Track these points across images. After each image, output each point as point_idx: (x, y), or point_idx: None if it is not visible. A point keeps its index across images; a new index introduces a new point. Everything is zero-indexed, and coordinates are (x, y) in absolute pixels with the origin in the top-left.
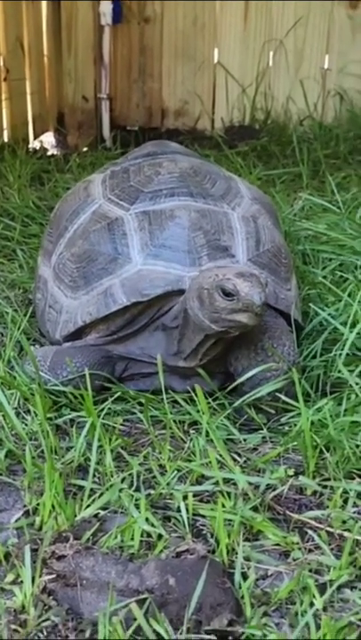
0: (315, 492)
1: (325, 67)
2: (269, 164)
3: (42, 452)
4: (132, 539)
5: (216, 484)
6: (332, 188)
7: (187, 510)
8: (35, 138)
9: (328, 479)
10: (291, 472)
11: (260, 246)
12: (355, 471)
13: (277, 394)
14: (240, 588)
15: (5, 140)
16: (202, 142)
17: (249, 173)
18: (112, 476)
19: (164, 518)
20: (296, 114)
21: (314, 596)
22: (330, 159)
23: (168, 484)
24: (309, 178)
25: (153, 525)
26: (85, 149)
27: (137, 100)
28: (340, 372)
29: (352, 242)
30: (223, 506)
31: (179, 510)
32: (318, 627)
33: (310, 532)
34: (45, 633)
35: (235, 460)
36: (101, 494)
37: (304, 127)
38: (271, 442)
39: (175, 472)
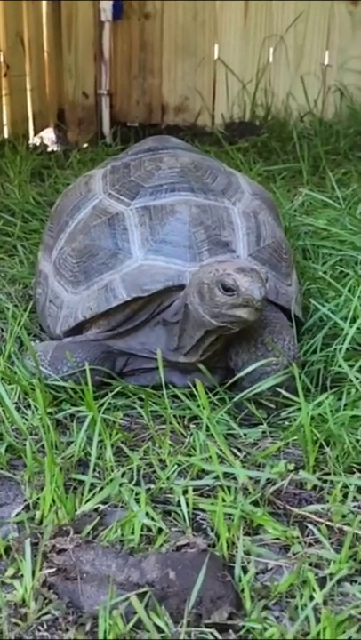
0: (315, 487)
1: (326, 63)
2: (270, 160)
3: (42, 446)
4: (133, 533)
5: (216, 478)
6: (332, 184)
7: (187, 504)
8: (35, 134)
9: (328, 473)
10: (291, 466)
11: (260, 242)
12: (355, 465)
13: (277, 388)
14: (240, 581)
15: (6, 136)
16: (202, 138)
17: (249, 169)
18: (112, 471)
19: (165, 512)
20: (296, 110)
21: (314, 590)
22: (330, 155)
23: (168, 478)
24: (310, 174)
25: (153, 519)
26: (86, 145)
27: (137, 96)
28: (340, 366)
29: (352, 237)
30: (223, 500)
31: (179, 504)
32: (318, 620)
33: (310, 526)
34: (46, 626)
35: (235, 454)
36: (102, 488)
37: (304, 123)
38: (271, 436)
39: (175, 466)
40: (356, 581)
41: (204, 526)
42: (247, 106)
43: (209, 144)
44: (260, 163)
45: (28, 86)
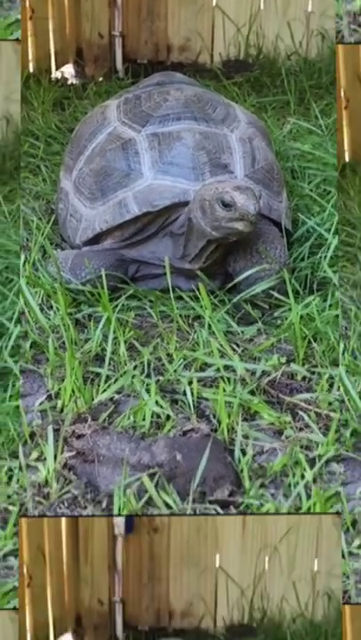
0: (304, 378)
1: (309, 10)
2: (261, 93)
3: (63, 342)
4: (144, 419)
5: (217, 370)
6: (315, 114)
7: (192, 394)
8: (56, 69)
9: (316, 366)
10: (283, 360)
11: (255, 164)
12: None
13: (271, 291)
14: (239, 462)
15: (31, 70)
16: (202, 74)
17: (244, 101)
18: (125, 364)
19: (172, 401)
20: (284, 50)
21: (305, 470)
22: (314, 89)
23: (175, 370)
24: (296, 105)
25: (162, 407)
26: (101, 79)
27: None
28: (325, 272)
29: (334, 159)
30: (224, 390)
31: (185, 394)
32: (309, 496)
33: (301, 412)
34: (66, 504)
35: (234, 349)
36: (116, 380)
37: (291, 61)
38: (265, 333)
39: (181, 360)
40: (341, 461)
41: (207, 413)
42: (241, 46)
43: (209, 79)
44: (253, 95)
45: (51, 28)
